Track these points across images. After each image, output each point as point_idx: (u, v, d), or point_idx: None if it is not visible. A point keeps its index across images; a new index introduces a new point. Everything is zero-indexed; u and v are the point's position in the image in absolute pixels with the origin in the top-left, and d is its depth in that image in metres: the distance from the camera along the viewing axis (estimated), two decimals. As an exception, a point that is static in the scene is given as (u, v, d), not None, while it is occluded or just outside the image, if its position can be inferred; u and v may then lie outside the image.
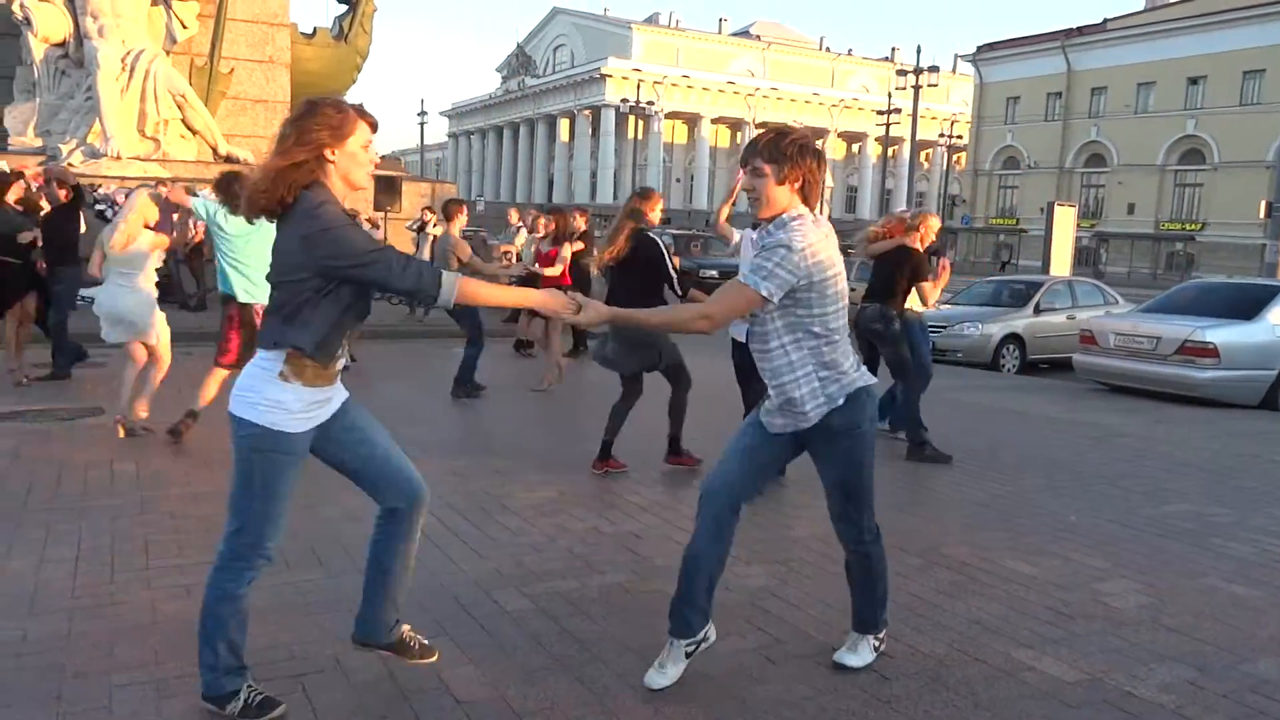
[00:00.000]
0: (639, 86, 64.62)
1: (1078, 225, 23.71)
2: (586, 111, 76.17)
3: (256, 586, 3.70)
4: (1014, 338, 12.77)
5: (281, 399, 2.56)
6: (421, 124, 75.44)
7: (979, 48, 58.69)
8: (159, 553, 4.05)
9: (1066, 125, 53.82)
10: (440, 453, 6.14)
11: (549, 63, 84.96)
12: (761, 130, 3.04)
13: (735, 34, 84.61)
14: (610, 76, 72.58)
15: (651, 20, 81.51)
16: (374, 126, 2.64)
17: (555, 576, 3.96)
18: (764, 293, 2.77)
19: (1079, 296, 13.83)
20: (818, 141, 3.00)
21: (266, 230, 2.65)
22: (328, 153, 2.55)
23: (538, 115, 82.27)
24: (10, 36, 15.17)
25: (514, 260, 15.60)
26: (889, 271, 6.81)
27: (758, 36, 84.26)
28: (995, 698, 3.01)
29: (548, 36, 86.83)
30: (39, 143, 14.80)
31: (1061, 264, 19.05)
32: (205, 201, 5.80)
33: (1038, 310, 13.15)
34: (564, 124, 79.84)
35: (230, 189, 5.45)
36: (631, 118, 63.81)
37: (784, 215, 2.87)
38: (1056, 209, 19.67)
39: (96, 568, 3.85)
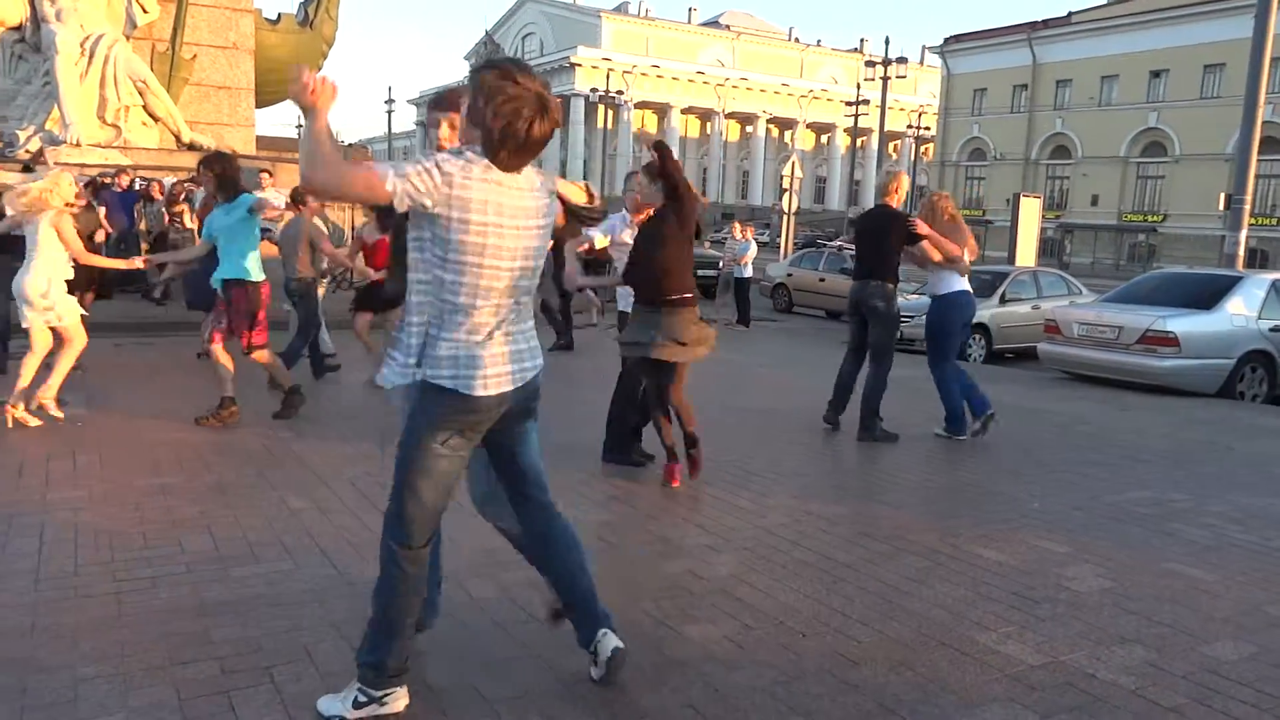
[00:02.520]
0: (609, 76, 64.37)
1: (1043, 216, 23.95)
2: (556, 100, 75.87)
3: (225, 578, 3.69)
4: (980, 327, 12.91)
5: None
6: (389, 112, 74.80)
7: (946, 39, 59.19)
8: (123, 545, 4.00)
9: (1032, 117, 54.43)
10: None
11: (518, 50, 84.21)
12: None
13: (705, 24, 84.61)
14: (580, 65, 72.27)
15: (621, 9, 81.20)
16: None
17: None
18: (388, 185, 2.40)
19: (1044, 287, 14.02)
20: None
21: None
22: None
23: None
24: (-36, 20, 14.81)
25: None
26: (876, 241, 6.45)
27: (727, 26, 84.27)
28: (961, 681, 3.06)
29: (517, 24, 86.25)
30: (-5, 129, 14.50)
31: (1027, 254, 19.26)
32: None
33: (1003, 300, 13.32)
34: (533, 113, 79.33)
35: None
36: (601, 107, 63.65)
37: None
38: (1022, 200, 19.86)
39: (60, 560, 3.80)
